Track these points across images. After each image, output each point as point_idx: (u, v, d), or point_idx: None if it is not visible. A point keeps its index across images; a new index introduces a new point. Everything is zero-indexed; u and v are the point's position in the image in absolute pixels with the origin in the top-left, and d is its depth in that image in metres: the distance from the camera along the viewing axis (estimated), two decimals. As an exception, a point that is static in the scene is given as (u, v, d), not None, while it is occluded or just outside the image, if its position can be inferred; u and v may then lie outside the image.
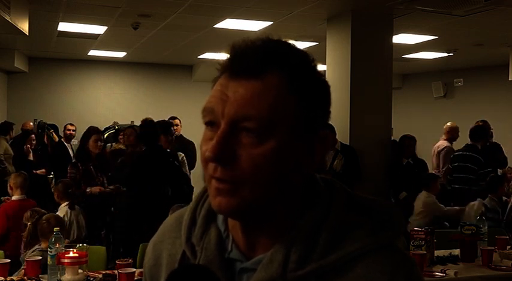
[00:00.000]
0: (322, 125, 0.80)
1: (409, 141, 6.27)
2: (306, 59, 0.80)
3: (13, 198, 4.68)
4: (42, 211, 4.07)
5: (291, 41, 0.81)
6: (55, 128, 8.90)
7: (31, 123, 8.50)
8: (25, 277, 3.13)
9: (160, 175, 5.06)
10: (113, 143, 7.51)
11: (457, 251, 3.84)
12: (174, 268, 0.85)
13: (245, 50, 0.77)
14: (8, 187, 4.75)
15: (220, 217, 0.86)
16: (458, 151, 6.43)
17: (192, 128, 5.80)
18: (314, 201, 0.81)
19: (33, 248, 3.54)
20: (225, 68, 0.78)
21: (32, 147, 7.33)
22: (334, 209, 0.80)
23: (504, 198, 8.11)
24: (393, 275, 0.76)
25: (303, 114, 0.76)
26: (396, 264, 0.77)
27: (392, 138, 6.88)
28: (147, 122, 5.39)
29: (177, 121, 7.67)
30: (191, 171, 6.47)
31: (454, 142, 7.12)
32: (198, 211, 0.88)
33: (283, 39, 0.81)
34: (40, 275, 3.18)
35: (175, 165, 5.34)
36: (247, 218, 0.80)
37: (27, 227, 3.87)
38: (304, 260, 0.76)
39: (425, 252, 3.52)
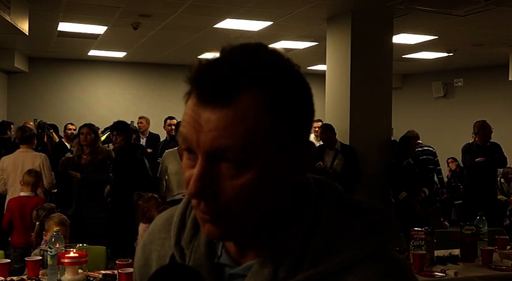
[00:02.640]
0: (306, 131, 0.77)
1: (413, 141, 6.27)
2: (282, 64, 0.74)
3: (20, 194, 4.87)
4: (50, 205, 4.19)
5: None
6: (55, 128, 8.87)
7: (31, 123, 8.49)
8: (25, 277, 3.13)
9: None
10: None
11: (457, 251, 3.83)
12: (161, 266, 0.84)
13: (212, 74, 0.71)
14: (20, 183, 4.97)
15: None
16: None
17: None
18: (304, 205, 0.79)
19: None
20: (192, 89, 0.73)
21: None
22: (325, 216, 0.78)
23: (504, 198, 8.15)
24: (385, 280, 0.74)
25: (285, 130, 0.72)
26: (388, 270, 0.76)
27: (392, 138, 6.88)
28: (120, 122, 6.00)
29: (174, 121, 7.71)
30: None
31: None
32: (187, 213, 0.87)
33: (255, 43, 0.75)
34: (40, 276, 3.18)
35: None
36: (237, 239, 0.79)
37: (35, 227, 3.90)
38: (295, 269, 0.75)
39: (425, 252, 3.52)
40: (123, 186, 5.60)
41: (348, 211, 0.80)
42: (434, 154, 7.84)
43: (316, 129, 8.16)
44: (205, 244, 0.82)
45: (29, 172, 4.91)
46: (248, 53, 0.73)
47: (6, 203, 5.04)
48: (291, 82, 0.74)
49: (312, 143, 0.79)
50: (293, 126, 0.73)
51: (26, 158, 5.34)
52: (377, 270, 0.75)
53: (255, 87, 0.70)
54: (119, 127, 5.90)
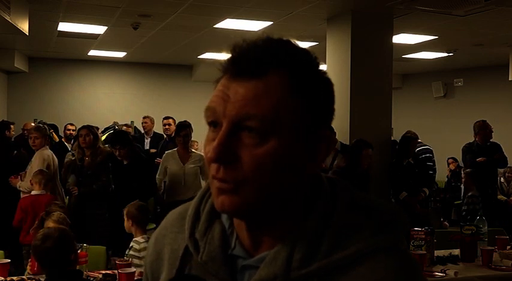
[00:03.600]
0: (325, 124, 0.80)
1: (414, 141, 6.28)
2: (309, 58, 0.80)
3: (32, 192, 5.02)
4: (57, 203, 4.33)
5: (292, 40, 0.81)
6: (55, 128, 8.88)
7: (32, 124, 8.49)
8: (25, 277, 3.13)
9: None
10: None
11: (457, 251, 3.84)
12: (171, 278, 0.85)
13: (246, 51, 0.77)
14: (30, 183, 5.14)
15: None
16: None
17: (196, 128, 5.81)
18: (318, 200, 0.81)
19: None
20: (226, 69, 0.78)
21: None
22: (338, 209, 0.80)
23: (504, 198, 8.15)
24: (396, 275, 0.76)
25: (306, 114, 0.76)
26: (399, 265, 0.77)
27: (392, 138, 6.88)
28: (118, 134, 5.86)
29: (170, 121, 7.77)
30: None
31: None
32: (202, 206, 0.88)
33: (285, 38, 0.81)
34: (39, 276, 3.18)
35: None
36: (251, 218, 0.80)
37: (35, 224, 3.93)
38: (308, 259, 0.77)
39: (425, 252, 3.52)
40: (126, 188, 5.41)
41: (359, 207, 0.82)
42: (432, 153, 7.86)
43: None
44: (220, 236, 0.84)
45: (39, 170, 5.12)
46: (281, 41, 0.80)
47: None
48: (315, 74, 0.79)
49: (332, 139, 0.82)
50: (313, 112, 0.77)
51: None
52: (388, 264, 0.76)
53: (282, 68, 0.76)
54: (119, 140, 5.43)
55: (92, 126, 5.64)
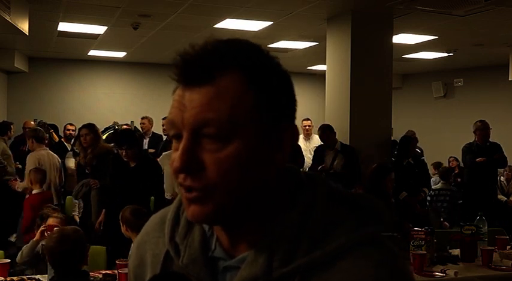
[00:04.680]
0: (287, 115, 0.79)
1: (414, 141, 6.29)
2: (260, 53, 0.79)
3: (33, 192, 5.13)
4: (49, 206, 4.36)
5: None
6: (55, 128, 8.88)
7: (32, 123, 8.49)
8: (25, 277, 3.13)
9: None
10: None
11: (457, 251, 3.84)
12: (154, 274, 0.85)
13: (193, 58, 0.76)
14: (29, 182, 5.24)
15: None
16: None
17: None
18: (297, 196, 0.81)
19: None
20: (178, 78, 0.78)
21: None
22: (318, 205, 0.79)
23: (504, 198, 8.14)
24: (378, 268, 0.75)
25: (265, 108, 0.76)
26: (382, 258, 0.77)
27: (392, 138, 6.88)
28: (124, 133, 5.56)
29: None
30: None
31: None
32: (181, 210, 0.88)
33: (234, 38, 0.81)
34: (39, 275, 3.19)
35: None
36: (225, 222, 0.80)
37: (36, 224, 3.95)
38: (289, 257, 0.76)
39: (425, 252, 3.52)
40: (132, 192, 5.00)
41: (339, 201, 0.81)
42: (421, 154, 7.98)
43: (307, 128, 8.18)
44: (200, 238, 0.84)
45: (36, 169, 5.27)
46: (229, 42, 0.80)
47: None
48: (269, 67, 0.78)
49: (296, 129, 0.81)
50: (272, 107, 0.77)
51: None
52: (369, 257, 0.76)
53: (234, 69, 0.75)
54: (125, 140, 4.89)
55: (93, 125, 5.58)
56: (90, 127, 5.50)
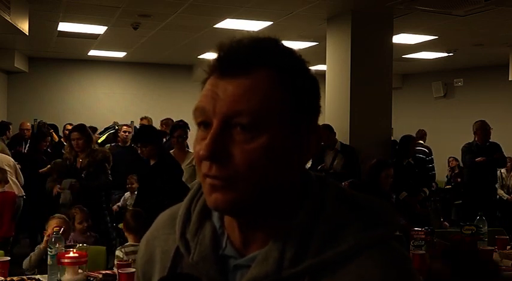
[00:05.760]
0: (313, 117, 0.82)
1: (414, 141, 6.28)
2: (293, 55, 0.81)
3: None
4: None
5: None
6: (55, 128, 8.90)
7: (28, 124, 8.47)
8: (25, 277, 3.13)
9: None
10: (113, 144, 7.53)
11: (457, 251, 3.83)
12: (163, 276, 0.85)
13: (232, 49, 0.79)
14: None
15: (216, 214, 0.86)
16: None
17: (192, 128, 5.80)
18: (307, 197, 0.81)
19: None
20: (213, 68, 0.79)
21: (45, 148, 7.55)
22: (327, 206, 0.80)
23: (506, 196, 8.15)
24: (386, 270, 0.76)
25: (294, 107, 0.77)
26: (390, 260, 0.78)
27: (392, 138, 6.88)
28: (143, 129, 5.49)
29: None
30: None
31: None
32: (192, 207, 0.88)
33: (271, 37, 0.82)
34: (39, 275, 3.19)
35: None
36: (244, 215, 0.80)
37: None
38: (299, 257, 0.77)
39: (425, 252, 3.52)
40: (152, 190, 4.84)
41: (348, 203, 0.82)
42: (426, 154, 7.94)
43: None
44: (210, 236, 0.84)
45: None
46: (266, 40, 0.81)
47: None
48: (301, 70, 0.81)
49: (321, 133, 0.84)
50: (302, 107, 0.79)
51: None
52: (378, 260, 0.77)
53: (269, 66, 0.77)
54: (140, 138, 4.78)
55: (84, 127, 5.20)
56: (82, 130, 5.12)
